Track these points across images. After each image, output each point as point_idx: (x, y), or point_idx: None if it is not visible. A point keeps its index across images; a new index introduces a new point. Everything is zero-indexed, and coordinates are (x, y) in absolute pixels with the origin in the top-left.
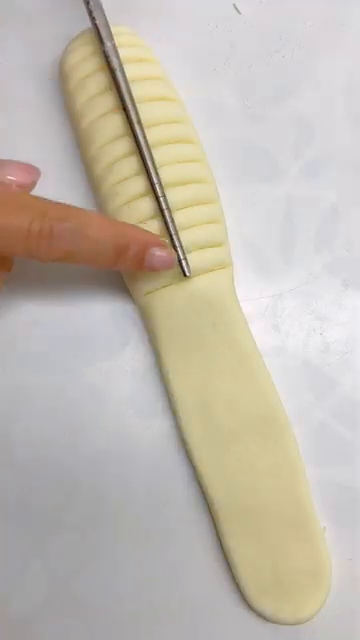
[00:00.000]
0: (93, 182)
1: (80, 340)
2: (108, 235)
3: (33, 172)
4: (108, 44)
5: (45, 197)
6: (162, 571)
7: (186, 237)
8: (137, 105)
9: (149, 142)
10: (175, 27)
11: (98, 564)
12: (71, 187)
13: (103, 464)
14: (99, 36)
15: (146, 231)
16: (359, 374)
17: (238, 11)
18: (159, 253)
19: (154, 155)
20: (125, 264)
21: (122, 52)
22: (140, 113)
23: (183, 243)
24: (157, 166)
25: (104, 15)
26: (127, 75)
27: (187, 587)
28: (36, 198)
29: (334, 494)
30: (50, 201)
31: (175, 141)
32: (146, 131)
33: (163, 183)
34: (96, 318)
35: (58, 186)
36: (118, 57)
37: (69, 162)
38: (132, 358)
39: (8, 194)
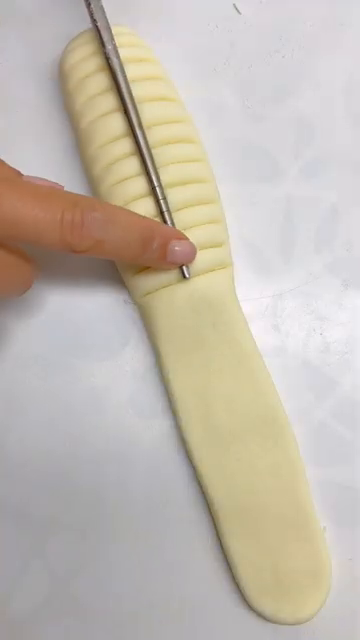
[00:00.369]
0: (92, 182)
1: (80, 340)
2: (135, 226)
3: (58, 186)
4: (109, 47)
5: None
6: (162, 571)
7: (199, 235)
8: (138, 105)
9: (150, 142)
10: (175, 27)
11: (98, 564)
12: (71, 187)
13: (103, 464)
14: (100, 38)
15: (167, 226)
16: (359, 374)
17: (238, 11)
18: (178, 248)
19: (155, 155)
20: (150, 256)
21: (122, 52)
22: (141, 113)
23: (195, 242)
24: (158, 166)
25: (105, 17)
26: (128, 75)
27: (187, 587)
28: (64, 191)
29: (334, 494)
30: (77, 194)
31: (176, 141)
32: (147, 131)
33: (164, 183)
34: (96, 318)
35: (58, 182)
36: (119, 59)
37: (69, 162)
38: (132, 358)
39: (37, 187)
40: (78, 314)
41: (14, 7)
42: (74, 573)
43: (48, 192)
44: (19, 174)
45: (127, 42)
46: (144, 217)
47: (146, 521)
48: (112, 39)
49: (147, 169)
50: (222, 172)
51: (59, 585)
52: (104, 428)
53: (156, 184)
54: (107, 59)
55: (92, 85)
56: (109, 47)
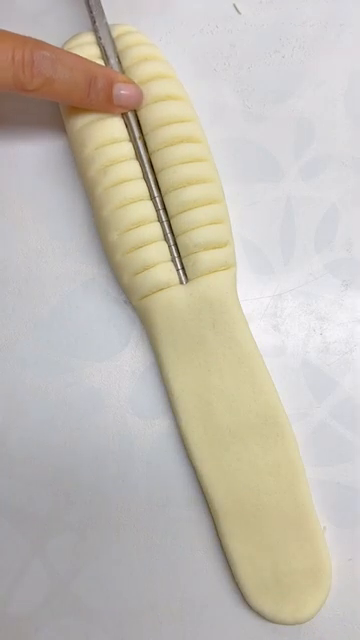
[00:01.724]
0: (87, 185)
1: (80, 340)
2: (80, 65)
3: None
4: (112, 61)
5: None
6: (162, 571)
7: (193, 238)
8: (149, 106)
9: (159, 142)
10: (175, 27)
11: (98, 564)
12: (67, 188)
13: (103, 464)
14: (105, 53)
15: (112, 69)
16: (359, 374)
17: (238, 11)
18: (124, 91)
19: (163, 155)
20: (96, 98)
21: (130, 52)
22: (151, 113)
23: (189, 244)
24: (166, 166)
25: (110, 34)
26: (136, 75)
27: (187, 587)
28: (11, 32)
29: (334, 494)
30: (25, 35)
31: (185, 140)
32: (157, 131)
33: (171, 183)
34: (96, 318)
35: (56, 185)
36: (122, 72)
37: (65, 162)
38: (132, 358)
39: None
40: (78, 314)
41: (14, 7)
42: (74, 573)
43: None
44: None
45: (134, 41)
46: (88, 60)
47: (146, 521)
48: (115, 54)
49: (146, 174)
50: (222, 172)
51: (59, 585)
52: (104, 428)
53: (156, 194)
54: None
55: None
56: (112, 61)
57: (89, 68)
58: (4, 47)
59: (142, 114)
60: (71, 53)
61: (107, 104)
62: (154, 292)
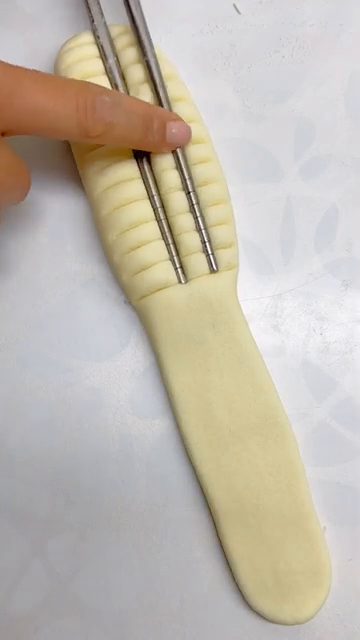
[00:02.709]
0: (87, 184)
1: (80, 340)
2: (137, 108)
3: None
4: (111, 60)
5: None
6: (162, 571)
7: (198, 238)
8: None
9: None
10: (175, 27)
11: (98, 564)
12: (67, 187)
13: (103, 464)
14: (103, 52)
15: (162, 108)
16: (359, 374)
17: (238, 11)
18: (175, 130)
19: (169, 156)
20: (152, 139)
21: (130, 52)
22: None
23: (193, 245)
24: (170, 168)
25: (108, 31)
26: (136, 75)
27: (187, 587)
28: (73, 80)
29: (334, 494)
30: (84, 81)
31: (191, 142)
32: None
33: (176, 184)
34: (96, 318)
35: (56, 186)
36: (120, 72)
37: (69, 163)
38: (132, 358)
39: (50, 76)
40: (78, 314)
41: (14, 7)
42: (74, 573)
43: (62, 81)
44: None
45: (133, 41)
46: (144, 102)
47: (146, 521)
48: (114, 54)
49: (145, 175)
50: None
51: (59, 585)
52: (104, 428)
53: (154, 193)
54: (107, 72)
55: None
56: (110, 61)
57: (146, 110)
58: (69, 95)
59: None
60: (128, 96)
61: (162, 144)
62: (153, 292)
